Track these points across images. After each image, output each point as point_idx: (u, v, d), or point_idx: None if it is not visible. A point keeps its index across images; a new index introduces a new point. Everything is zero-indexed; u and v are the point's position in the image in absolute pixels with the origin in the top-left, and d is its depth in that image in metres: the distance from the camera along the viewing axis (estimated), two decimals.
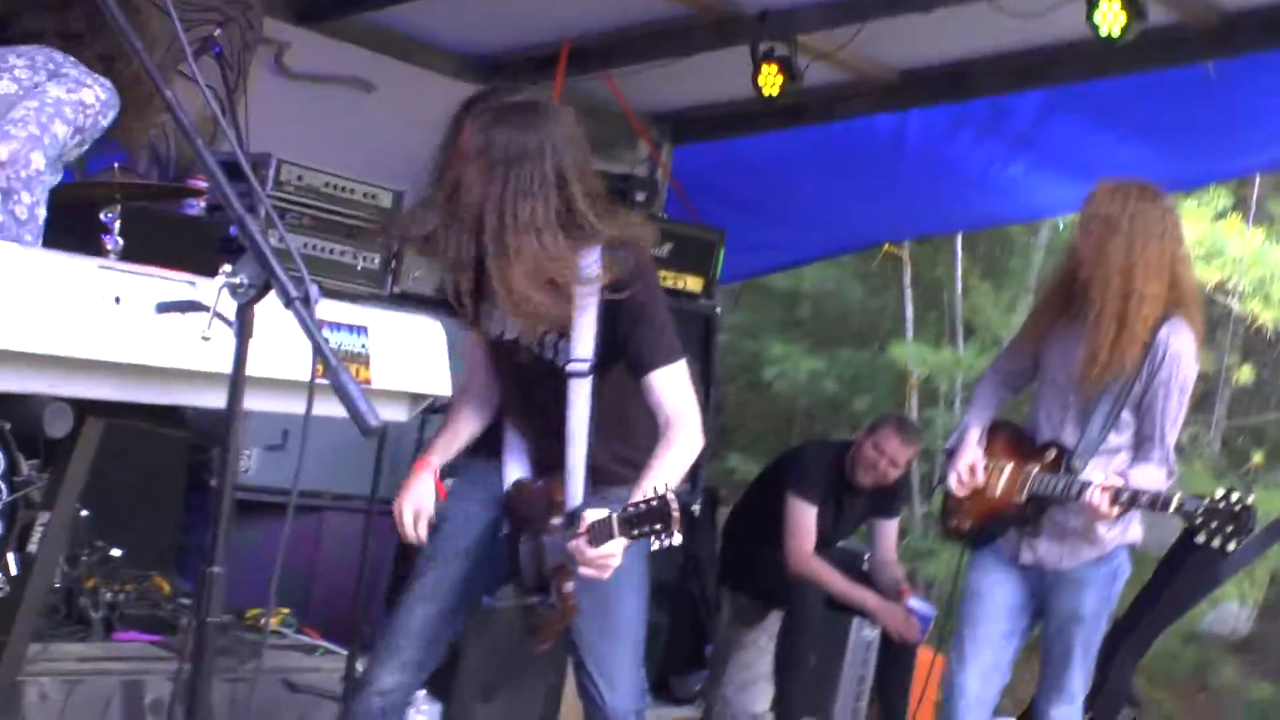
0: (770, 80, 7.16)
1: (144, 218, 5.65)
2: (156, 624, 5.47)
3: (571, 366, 3.70)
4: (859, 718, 7.80)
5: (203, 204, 6.50)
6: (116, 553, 5.59)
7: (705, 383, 7.79)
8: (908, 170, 8.24)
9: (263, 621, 5.97)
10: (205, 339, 2.15)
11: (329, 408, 2.10)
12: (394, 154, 7.04)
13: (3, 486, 4.92)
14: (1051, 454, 5.02)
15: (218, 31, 5.68)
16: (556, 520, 4.12)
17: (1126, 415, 4.99)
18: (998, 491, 5.11)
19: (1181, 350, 4.92)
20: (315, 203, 6.45)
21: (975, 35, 7.04)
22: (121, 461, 5.00)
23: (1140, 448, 5.01)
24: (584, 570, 3.83)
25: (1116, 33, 6.22)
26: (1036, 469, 5.03)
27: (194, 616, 2.16)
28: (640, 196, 7.89)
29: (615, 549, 3.75)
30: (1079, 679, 5.16)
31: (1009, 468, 5.10)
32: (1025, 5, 6.32)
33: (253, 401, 2.17)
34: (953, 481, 5.11)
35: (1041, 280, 11.09)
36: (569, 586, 4.11)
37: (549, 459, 4.14)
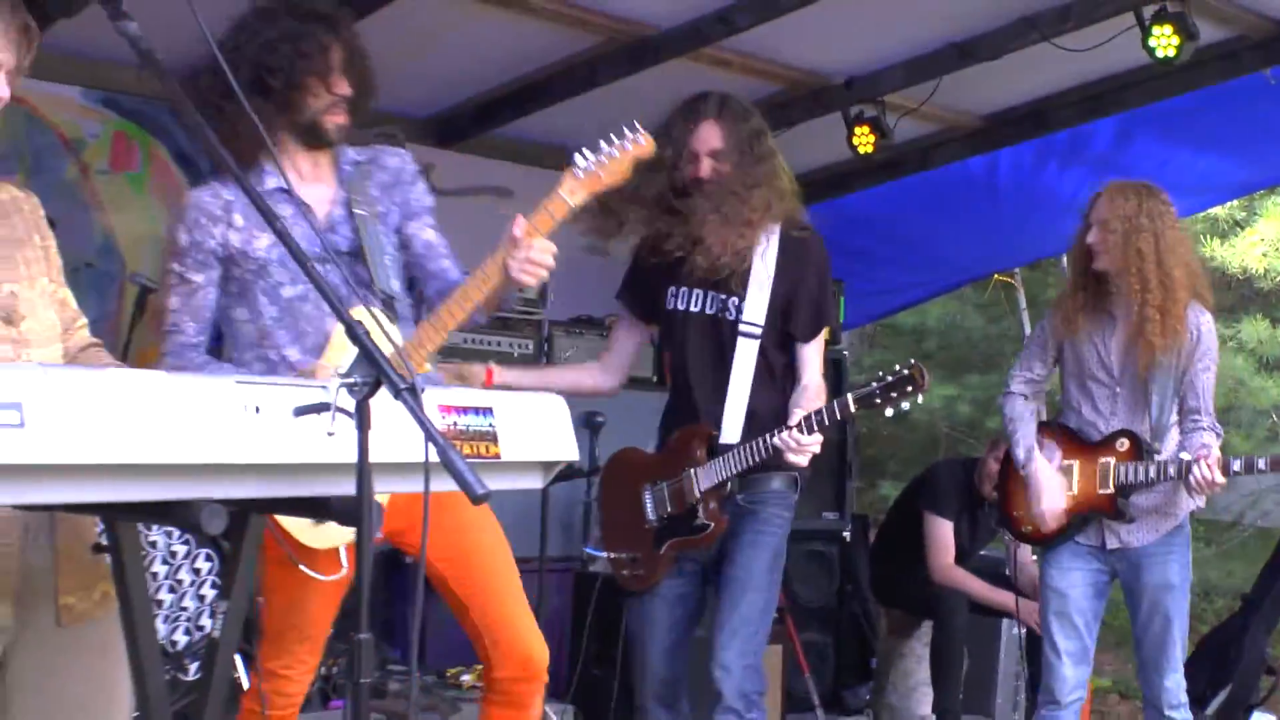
0: (864, 140, 7.16)
1: None
2: (374, 692, 5.50)
3: (743, 328, 3.65)
4: (1020, 710, 7.67)
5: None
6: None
7: (841, 427, 7.79)
8: (1004, 204, 8.19)
9: (462, 678, 6.03)
10: (331, 434, 2.18)
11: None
12: None
13: (219, 583, 5.05)
14: (1125, 443, 4.97)
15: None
16: (702, 453, 4.35)
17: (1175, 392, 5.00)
18: (1075, 490, 5.05)
19: (1209, 329, 5.03)
20: None
21: (1045, 74, 6.99)
22: None
23: (1188, 420, 5.01)
24: (791, 456, 4.07)
25: (1173, 54, 6.14)
26: (1114, 460, 4.96)
27: (350, 678, 2.16)
28: None
29: (818, 439, 4.09)
30: (1181, 646, 5.12)
31: (1076, 465, 5.05)
32: (1084, 41, 6.26)
33: (380, 485, 2.18)
34: (1048, 522, 5.04)
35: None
36: (714, 505, 4.33)
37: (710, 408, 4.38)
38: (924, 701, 7.05)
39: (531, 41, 6.50)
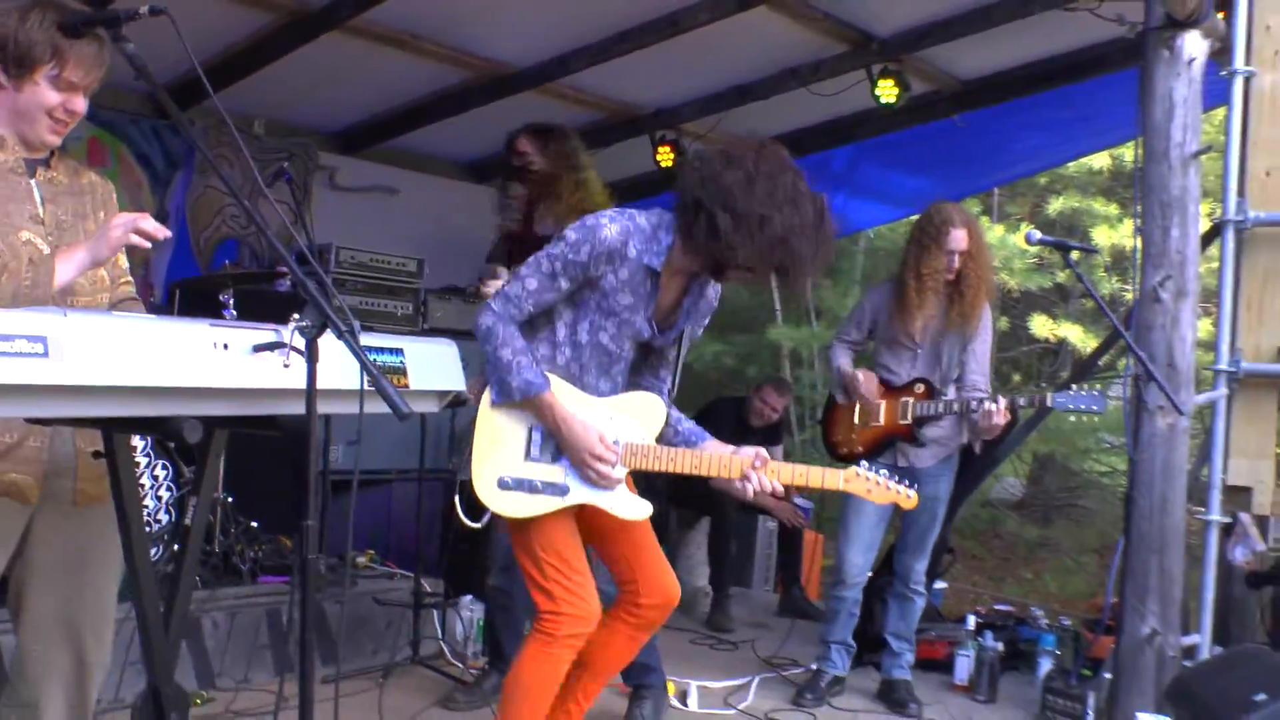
0: (666, 156, 7.23)
1: (250, 294, 5.71)
2: (285, 569, 5.45)
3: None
4: (770, 583, 7.83)
5: (289, 282, 6.51)
6: (255, 524, 5.63)
7: None
8: None
9: (357, 560, 5.99)
10: (286, 366, 2.16)
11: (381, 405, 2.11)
12: (414, 235, 7.10)
13: (173, 486, 4.94)
14: (921, 387, 5.07)
15: (286, 163, 5.66)
16: None
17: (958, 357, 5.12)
18: (882, 420, 5.11)
19: (989, 316, 5.22)
20: (363, 273, 6.47)
21: (799, 112, 7.08)
22: (257, 464, 5.17)
23: (967, 377, 5.14)
24: None
25: (893, 100, 6.31)
26: (912, 399, 5.05)
27: (298, 556, 2.13)
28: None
29: None
30: (933, 540, 5.31)
31: (884, 403, 5.10)
32: (829, 89, 6.38)
33: (323, 406, 2.18)
34: (863, 389, 5.10)
35: (865, 273, 11.21)
36: None
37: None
38: (702, 576, 7.14)
39: (418, 75, 6.44)
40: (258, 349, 2.21)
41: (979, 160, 7.73)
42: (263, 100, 6.70)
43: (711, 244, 3.16)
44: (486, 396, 3.33)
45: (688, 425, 3.51)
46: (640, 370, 3.55)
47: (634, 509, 3.41)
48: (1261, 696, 4.01)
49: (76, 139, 6.34)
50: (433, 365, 2.71)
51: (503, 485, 3.29)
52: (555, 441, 3.31)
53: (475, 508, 3.36)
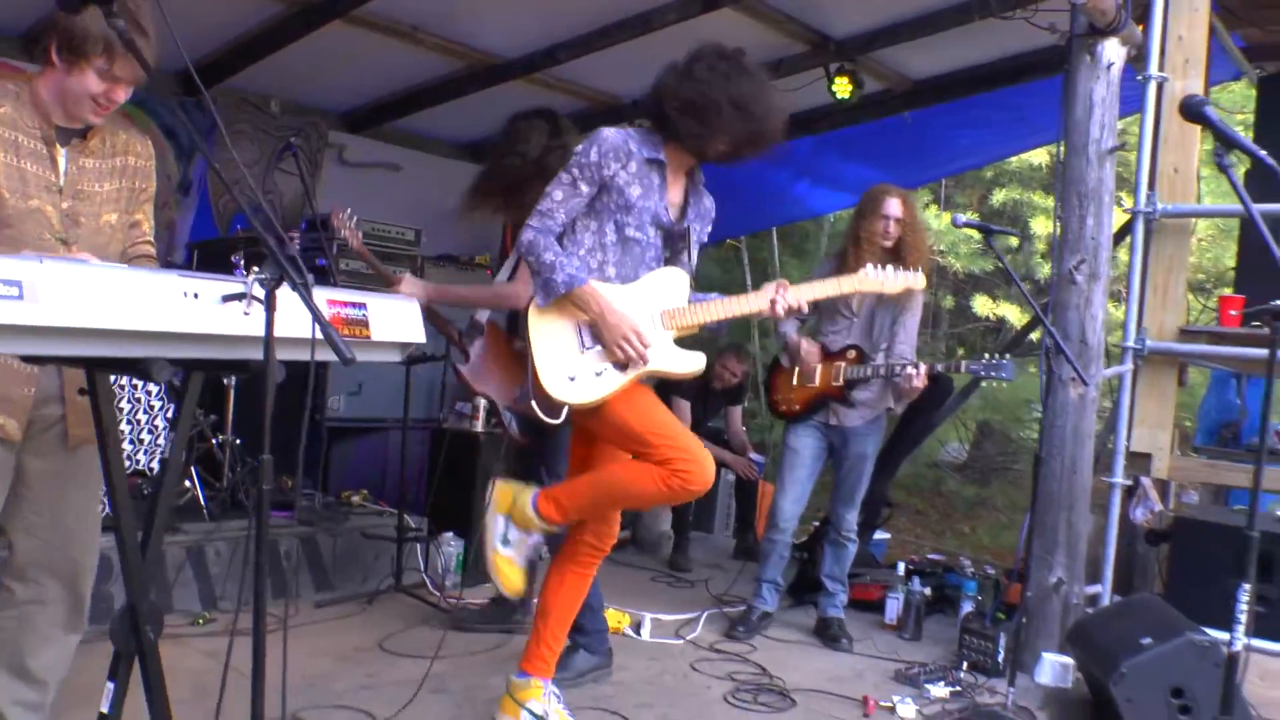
0: None
1: (260, 255, 5.51)
2: (285, 505, 5.45)
3: None
4: (729, 527, 7.85)
5: (297, 245, 6.48)
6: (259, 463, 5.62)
7: None
8: (734, 193, 8.17)
9: (352, 498, 5.99)
10: (246, 314, 2.15)
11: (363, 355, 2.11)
12: (415, 208, 7.06)
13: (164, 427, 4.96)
14: (853, 353, 5.04)
15: (293, 138, 5.62)
16: None
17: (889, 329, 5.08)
18: (818, 382, 5.09)
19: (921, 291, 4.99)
20: (366, 241, 6.33)
21: None
22: (258, 408, 5.08)
23: (896, 347, 5.07)
24: None
25: (848, 96, 6.27)
26: (845, 364, 5.03)
27: (256, 486, 2.13)
28: None
29: None
30: (861, 494, 5.25)
31: (820, 367, 5.08)
32: (790, 85, 6.32)
33: (282, 352, 2.17)
34: (804, 354, 5.06)
35: (827, 253, 11.20)
36: None
37: None
38: (666, 521, 7.14)
39: (417, 63, 6.38)
40: (226, 299, 2.20)
41: (928, 154, 7.70)
42: (278, 81, 6.66)
43: (693, 135, 3.39)
44: (533, 309, 3.39)
45: (700, 295, 3.58)
46: (668, 261, 3.61)
47: (690, 362, 3.48)
48: (1147, 640, 4.03)
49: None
50: (394, 318, 2.68)
51: (571, 379, 3.34)
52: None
53: (553, 408, 3.37)
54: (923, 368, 4.78)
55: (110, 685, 2.41)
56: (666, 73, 3.47)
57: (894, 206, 4.98)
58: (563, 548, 3.75)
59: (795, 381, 5.18)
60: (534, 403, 3.35)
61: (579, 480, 3.56)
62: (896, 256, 4.92)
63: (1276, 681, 4.48)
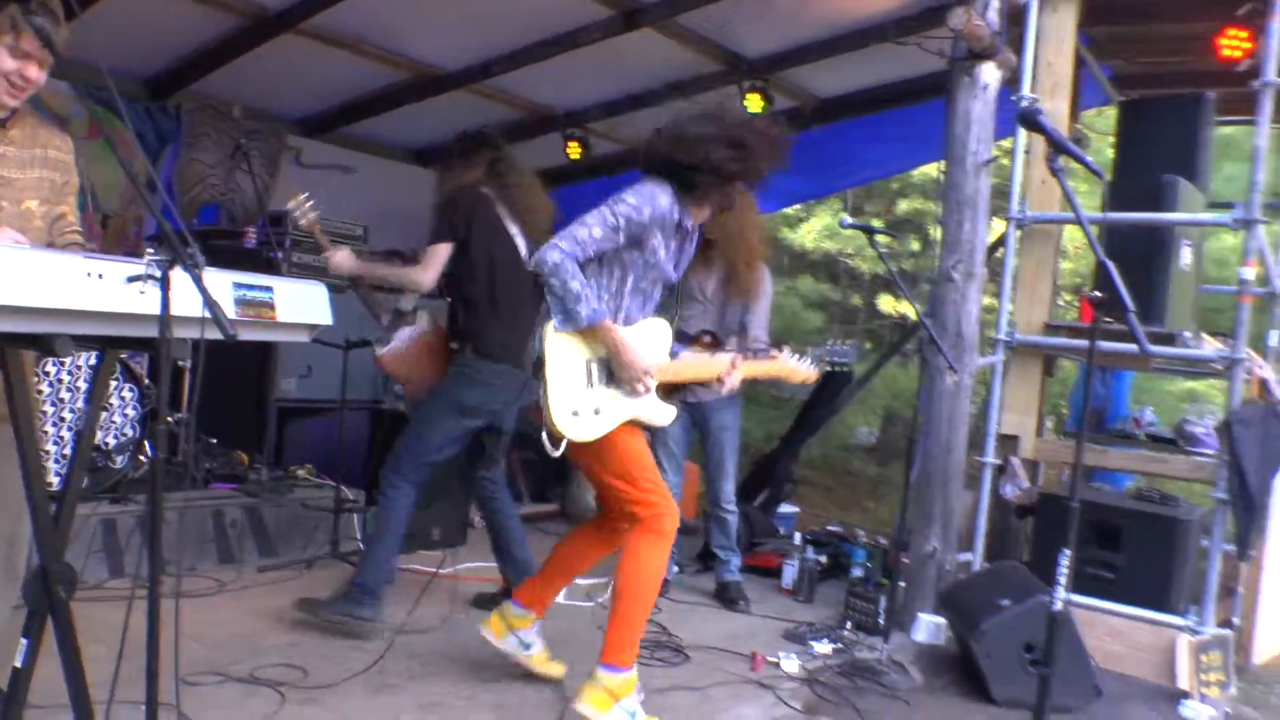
0: (575, 150, 7.11)
1: (220, 249, 5.91)
2: (236, 479, 5.37)
3: None
4: None
5: (253, 240, 6.39)
6: (214, 440, 5.55)
7: None
8: None
9: (297, 472, 5.90)
10: (142, 294, 2.10)
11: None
12: (366, 207, 6.98)
13: (138, 405, 4.85)
14: (708, 338, 5.01)
15: (243, 139, 5.54)
16: None
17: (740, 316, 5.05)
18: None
19: (768, 278, 5.13)
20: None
21: None
22: (220, 390, 4.91)
23: (751, 331, 5.02)
24: None
25: (759, 111, 6.23)
26: (699, 348, 4.92)
27: (153, 457, 2.07)
28: None
29: None
30: (733, 464, 5.27)
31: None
32: (708, 99, 6.25)
33: (178, 330, 2.12)
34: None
35: None
36: None
37: None
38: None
39: (364, 74, 6.32)
40: (129, 279, 2.14)
41: (837, 165, 7.67)
42: (239, 88, 6.57)
43: (716, 188, 3.36)
44: (550, 332, 3.23)
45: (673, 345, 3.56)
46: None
47: (669, 414, 3.46)
48: (1006, 601, 4.07)
49: (79, 115, 6.18)
50: (300, 301, 2.63)
51: (574, 414, 3.21)
52: (610, 365, 3.28)
53: (553, 439, 3.22)
54: (774, 352, 4.80)
55: (24, 641, 2.35)
56: (666, 142, 3.41)
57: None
58: (603, 534, 3.69)
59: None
60: (544, 431, 3.22)
61: (622, 611, 3.32)
62: (735, 258, 4.97)
63: (1120, 639, 4.52)
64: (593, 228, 3.22)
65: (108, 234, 6.38)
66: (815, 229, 10.72)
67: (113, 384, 4.98)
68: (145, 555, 4.54)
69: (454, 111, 6.90)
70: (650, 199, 3.26)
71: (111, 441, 4.87)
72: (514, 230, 4.43)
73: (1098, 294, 2.49)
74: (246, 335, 2.36)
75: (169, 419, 5.28)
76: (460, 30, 5.72)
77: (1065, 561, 2.49)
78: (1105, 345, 4.84)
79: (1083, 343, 4.94)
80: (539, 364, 3.21)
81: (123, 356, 4.55)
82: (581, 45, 5.67)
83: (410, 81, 6.42)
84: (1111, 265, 2.48)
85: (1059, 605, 2.50)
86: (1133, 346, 2.56)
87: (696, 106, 3.51)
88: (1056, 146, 2.60)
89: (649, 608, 3.41)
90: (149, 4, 5.04)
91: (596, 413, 3.24)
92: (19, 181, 2.72)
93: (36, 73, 2.63)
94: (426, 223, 7.83)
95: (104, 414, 4.91)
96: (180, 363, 5.34)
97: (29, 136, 2.77)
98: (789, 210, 10.35)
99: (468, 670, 3.85)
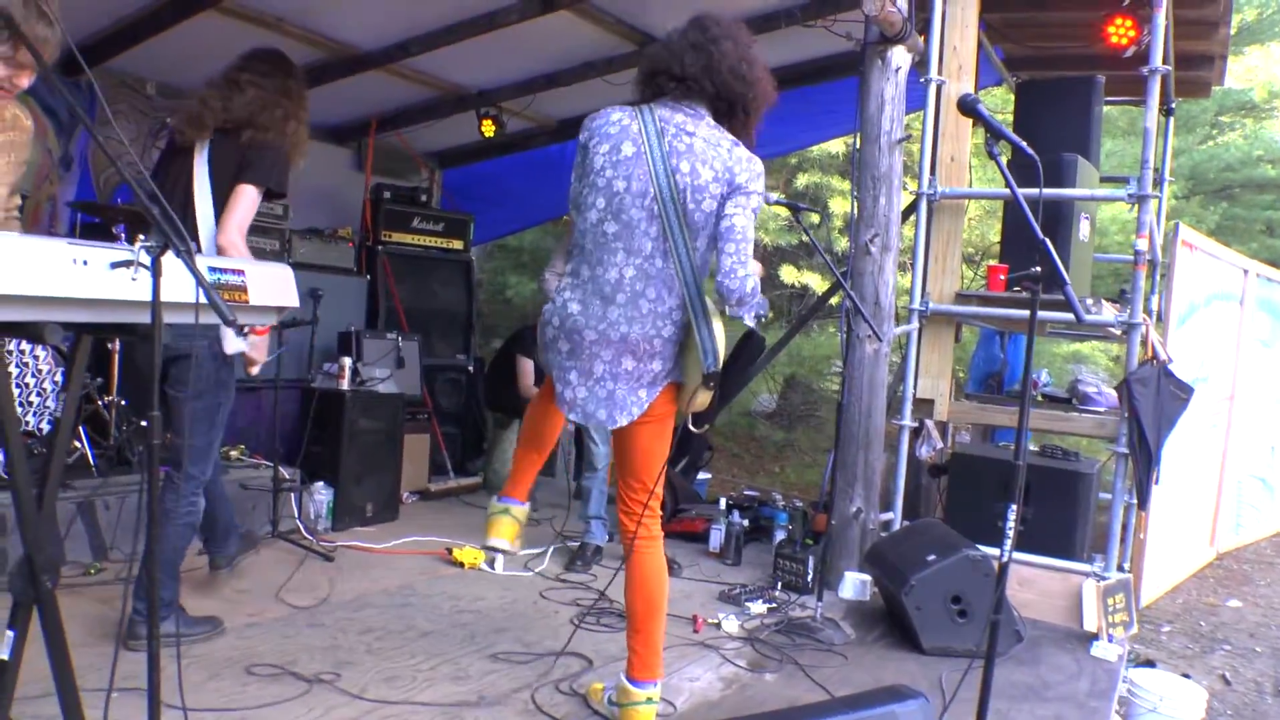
0: (489, 129, 7.04)
1: (141, 225, 5.34)
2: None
3: None
4: (571, 470, 7.81)
5: None
6: (144, 424, 5.40)
7: (469, 303, 7.79)
8: (568, 174, 8.12)
9: (230, 453, 5.78)
10: (134, 280, 2.07)
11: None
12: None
13: (52, 389, 4.71)
14: None
15: (169, 119, 5.34)
16: None
17: None
18: None
19: None
20: None
21: (597, 99, 6.87)
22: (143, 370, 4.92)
23: None
24: None
25: None
26: None
27: (146, 442, 2.04)
28: (424, 198, 7.74)
29: None
30: None
31: None
32: (621, 79, 6.28)
33: (168, 316, 2.09)
34: None
35: None
36: None
37: None
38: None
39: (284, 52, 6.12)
40: (114, 265, 2.11)
41: None
42: (155, 65, 6.32)
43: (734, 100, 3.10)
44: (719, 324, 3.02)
45: None
46: None
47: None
48: (931, 556, 4.23)
49: None
50: (270, 284, 2.61)
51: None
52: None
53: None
54: None
55: (10, 633, 2.31)
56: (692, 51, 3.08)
57: None
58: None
59: None
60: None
61: (655, 628, 3.15)
62: None
63: (1030, 586, 4.74)
64: (752, 242, 3.01)
65: (22, 216, 6.14)
66: None
67: (44, 369, 4.85)
68: (89, 541, 4.48)
69: (370, 90, 6.80)
70: (763, 175, 3.11)
71: (46, 427, 4.74)
72: None
73: (1037, 269, 2.60)
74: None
75: (99, 402, 5.16)
76: (379, 10, 5.62)
77: (1012, 517, 2.61)
78: (1011, 312, 5.08)
79: (993, 310, 5.15)
80: (714, 377, 3.00)
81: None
82: (499, 26, 5.61)
83: (328, 61, 6.28)
84: (1049, 242, 2.60)
85: (1006, 557, 2.62)
86: (1026, 313, 2.66)
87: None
88: (995, 134, 2.70)
89: (661, 610, 3.21)
90: None
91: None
92: None
93: (26, 81, 2.54)
94: (343, 199, 7.77)
95: (38, 399, 4.78)
96: (109, 345, 5.21)
97: (2, 121, 2.69)
98: None
99: (423, 643, 3.86)
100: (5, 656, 2.30)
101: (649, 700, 3.12)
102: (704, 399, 3.01)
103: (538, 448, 3.45)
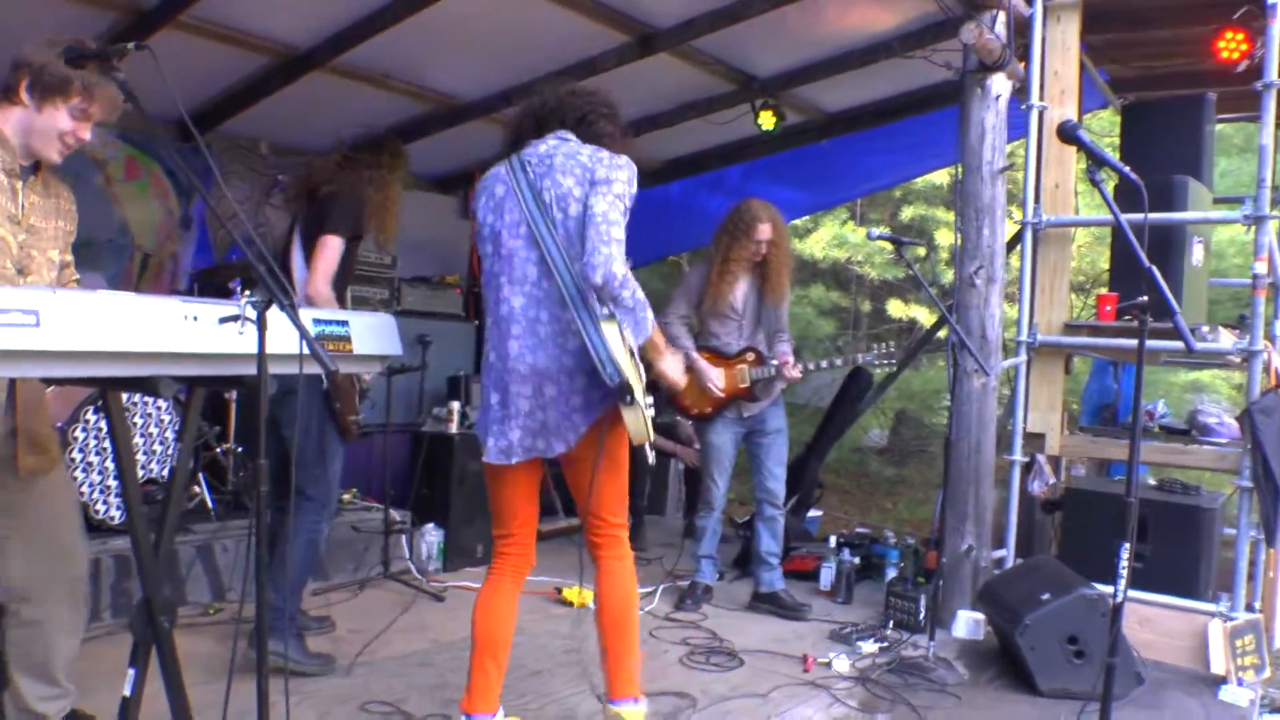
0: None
1: (253, 281, 5.54)
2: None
3: None
4: (680, 509, 7.82)
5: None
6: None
7: None
8: (674, 215, 8.18)
9: (344, 497, 5.90)
10: (240, 334, 2.14)
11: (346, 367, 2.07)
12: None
13: (173, 438, 4.88)
14: (752, 355, 5.03)
15: (281, 176, 5.55)
16: None
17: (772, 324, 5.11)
18: (724, 386, 5.00)
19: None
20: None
21: (699, 137, 7.05)
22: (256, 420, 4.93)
23: (777, 336, 5.15)
24: None
25: (772, 128, 6.31)
26: (747, 366, 5.01)
27: (255, 488, 2.10)
28: None
29: None
30: (784, 465, 5.19)
31: (723, 370, 5.03)
32: (722, 119, 6.37)
33: (273, 367, 2.15)
34: (714, 388, 4.96)
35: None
36: None
37: None
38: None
39: (389, 106, 6.20)
40: (222, 320, 2.18)
41: (844, 177, 7.73)
42: (267, 125, 6.57)
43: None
44: (622, 339, 2.86)
45: None
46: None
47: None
48: (1046, 595, 4.10)
49: (114, 157, 6.24)
50: (374, 334, 2.68)
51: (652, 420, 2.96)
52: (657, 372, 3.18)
53: (647, 446, 3.00)
54: (800, 365, 5.01)
55: (131, 671, 2.39)
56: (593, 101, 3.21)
57: (765, 231, 4.92)
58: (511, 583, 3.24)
59: (698, 391, 5.04)
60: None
61: (627, 645, 3.10)
62: (765, 268, 4.99)
63: (1151, 627, 4.55)
64: (617, 225, 2.90)
65: (146, 273, 6.43)
66: (824, 239, 10.72)
67: (165, 418, 5.03)
68: (208, 583, 4.62)
69: (473, 140, 6.93)
70: (631, 167, 3.04)
71: (168, 474, 4.91)
72: None
73: (1144, 299, 2.51)
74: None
75: (216, 449, 5.33)
76: (480, 63, 5.76)
77: (1125, 555, 2.52)
78: (1121, 342, 4.92)
79: (1103, 340, 4.99)
80: (625, 389, 2.81)
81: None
82: (599, 71, 5.69)
83: (432, 113, 6.45)
84: (1155, 270, 2.51)
85: (1120, 598, 2.52)
86: (1134, 342, 2.57)
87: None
88: (1097, 160, 2.64)
89: (634, 629, 3.16)
90: (181, 48, 5.08)
91: (651, 418, 2.94)
92: (45, 231, 2.73)
93: (88, 134, 2.65)
94: (449, 247, 7.90)
95: (160, 448, 4.95)
96: (226, 395, 5.39)
97: (48, 186, 2.78)
98: (797, 221, 10.38)
99: (531, 682, 3.87)
100: (127, 693, 2.38)
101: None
102: (632, 419, 2.86)
103: (493, 653, 3.14)
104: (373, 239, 4.09)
